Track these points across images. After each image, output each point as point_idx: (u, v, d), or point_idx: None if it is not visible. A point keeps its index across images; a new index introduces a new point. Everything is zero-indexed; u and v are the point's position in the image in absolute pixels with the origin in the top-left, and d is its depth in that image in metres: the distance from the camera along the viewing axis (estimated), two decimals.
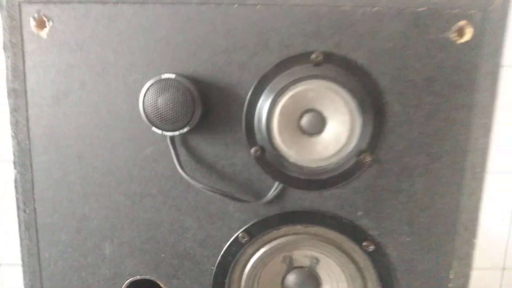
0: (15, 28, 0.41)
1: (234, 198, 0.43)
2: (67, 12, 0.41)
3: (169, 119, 0.40)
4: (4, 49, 0.43)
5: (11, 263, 1.13)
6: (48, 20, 0.41)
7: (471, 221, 0.43)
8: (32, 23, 0.42)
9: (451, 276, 0.45)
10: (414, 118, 0.41)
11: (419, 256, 0.44)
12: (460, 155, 0.42)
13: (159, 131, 0.41)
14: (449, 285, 0.45)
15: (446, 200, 0.43)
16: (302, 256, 0.46)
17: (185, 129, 0.40)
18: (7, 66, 0.43)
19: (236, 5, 0.39)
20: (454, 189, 0.43)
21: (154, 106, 0.40)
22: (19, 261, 0.48)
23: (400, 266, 0.45)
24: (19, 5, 0.41)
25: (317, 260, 0.46)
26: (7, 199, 1.09)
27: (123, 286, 0.46)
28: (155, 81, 0.40)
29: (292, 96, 0.40)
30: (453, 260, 0.44)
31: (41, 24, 0.42)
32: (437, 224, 0.44)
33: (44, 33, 0.42)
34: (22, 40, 0.42)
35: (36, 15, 0.41)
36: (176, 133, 0.41)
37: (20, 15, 0.41)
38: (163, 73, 0.40)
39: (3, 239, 1.12)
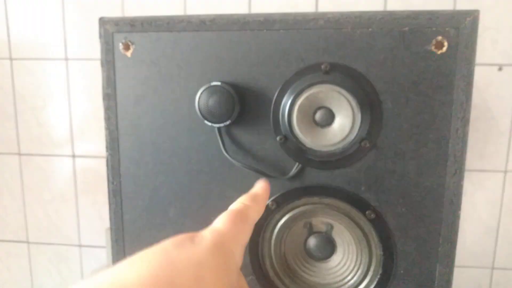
0: (109, 50, 0.54)
1: (265, 174, 0.52)
2: (145, 38, 0.53)
3: (216, 115, 0.50)
4: (102, 65, 0.54)
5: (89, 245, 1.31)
6: (132, 44, 0.53)
7: (455, 195, 0.50)
8: (121, 46, 0.53)
9: (440, 242, 0.53)
10: (404, 113, 0.49)
11: (412, 224, 0.52)
12: (443, 142, 0.49)
13: (210, 124, 0.51)
14: (439, 248, 0.52)
15: (433, 179, 0.50)
16: (319, 222, 0.55)
17: (228, 122, 0.50)
18: (103, 77, 0.55)
19: (265, 30, 0.50)
20: (440, 169, 0.50)
21: (206, 105, 0.50)
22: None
23: (397, 231, 0.52)
24: (112, 34, 0.53)
25: (332, 226, 0.56)
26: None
27: None
28: (207, 87, 0.50)
29: (307, 97, 0.49)
30: (441, 228, 0.51)
31: (126, 47, 0.53)
32: (426, 198, 0.51)
33: (129, 53, 0.53)
34: (113, 59, 0.54)
35: (123, 41, 0.53)
36: (222, 125, 0.51)
37: (113, 41, 0.53)
38: (212, 81, 0.50)
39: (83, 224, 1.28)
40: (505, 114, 1.11)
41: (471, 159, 1.13)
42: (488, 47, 1.08)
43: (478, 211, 1.16)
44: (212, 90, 0.50)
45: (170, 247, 0.25)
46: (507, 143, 1.13)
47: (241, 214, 0.32)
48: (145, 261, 0.23)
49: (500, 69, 1.10)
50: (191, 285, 0.22)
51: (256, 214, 0.34)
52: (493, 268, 1.18)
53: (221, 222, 0.30)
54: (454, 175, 0.50)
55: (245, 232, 0.31)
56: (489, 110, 1.12)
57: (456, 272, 1.18)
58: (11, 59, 1.22)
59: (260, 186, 0.38)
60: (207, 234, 0.27)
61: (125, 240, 0.59)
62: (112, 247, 0.59)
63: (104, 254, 1.27)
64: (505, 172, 1.13)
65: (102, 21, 0.54)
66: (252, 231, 0.33)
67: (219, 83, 0.50)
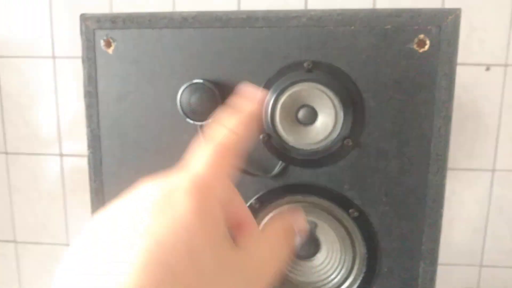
0: (90, 47, 0.53)
1: (248, 173, 0.52)
2: (126, 35, 0.52)
3: (198, 113, 0.50)
4: (83, 62, 0.53)
5: None
6: (113, 41, 0.52)
7: (438, 194, 0.50)
8: (102, 43, 0.53)
9: (423, 240, 0.53)
10: (386, 111, 0.49)
11: (396, 222, 0.52)
12: (426, 141, 0.49)
13: (192, 122, 0.51)
14: (422, 247, 0.52)
15: (416, 177, 0.50)
16: None
17: (210, 120, 0.51)
18: (84, 74, 0.54)
19: (247, 28, 0.49)
20: (422, 168, 0.50)
21: (188, 103, 0.50)
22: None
23: (380, 230, 0.52)
24: (93, 31, 0.53)
25: (316, 224, 0.56)
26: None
27: None
28: (189, 85, 0.49)
29: (289, 95, 0.49)
30: (425, 227, 0.51)
31: (108, 44, 0.53)
32: (409, 196, 0.51)
33: (110, 50, 0.53)
34: (95, 55, 0.53)
35: (104, 37, 0.52)
36: (204, 123, 0.50)
37: (94, 38, 0.53)
38: (194, 79, 0.50)
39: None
40: (492, 113, 1.12)
41: (459, 158, 1.14)
42: (475, 47, 1.08)
43: (467, 210, 1.17)
44: (194, 87, 0.50)
45: (149, 221, 0.22)
46: (494, 143, 1.14)
47: (226, 150, 0.28)
48: (132, 256, 0.20)
49: (487, 69, 1.11)
50: (186, 262, 0.21)
51: (244, 142, 0.30)
52: (481, 266, 1.19)
53: (202, 163, 0.27)
54: (437, 174, 0.50)
55: (230, 167, 0.28)
56: (476, 109, 1.12)
57: (445, 270, 1.19)
58: None
59: (251, 97, 0.33)
60: (186, 186, 0.25)
61: None
62: None
63: None
64: (493, 171, 1.14)
65: (83, 18, 0.53)
66: (239, 158, 0.29)
67: (201, 81, 0.50)
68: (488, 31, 1.07)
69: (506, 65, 1.09)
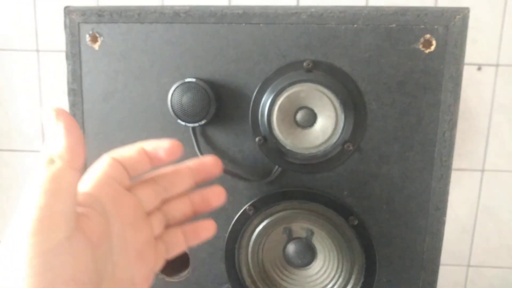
0: (75, 42, 0.50)
1: (242, 178, 0.50)
2: (114, 30, 0.49)
3: (190, 114, 0.47)
4: (67, 58, 0.50)
5: None
6: (100, 36, 0.50)
7: (441, 202, 0.49)
8: (87, 38, 0.50)
9: (424, 249, 0.51)
10: (389, 114, 0.47)
11: (396, 231, 0.50)
12: (430, 146, 0.47)
13: (183, 123, 0.48)
14: (423, 256, 0.50)
15: (419, 184, 0.48)
16: (299, 228, 0.53)
17: (203, 122, 0.47)
18: (68, 71, 0.51)
19: (243, 24, 0.47)
20: (425, 174, 0.48)
21: (179, 103, 0.47)
22: None
23: (380, 239, 0.50)
24: (78, 25, 0.50)
25: (312, 232, 0.54)
26: None
27: None
28: (180, 84, 0.47)
29: (287, 96, 0.46)
30: (426, 235, 0.50)
31: (94, 39, 0.50)
32: (411, 204, 0.49)
33: (96, 45, 0.50)
34: (79, 51, 0.50)
35: (90, 32, 0.50)
36: (196, 124, 0.48)
37: (79, 32, 0.49)
38: (186, 78, 0.47)
39: None
40: (483, 113, 1.11)
41: None
42: (467, 47, 1.07)
43: (455, 210, 1.17)
44: (186, 87, 0.47)
45: None
46: (484, 142, 1.13)
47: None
48: None
49: (479, 68, 1.10)
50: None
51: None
52: (468, 265, 1.19)
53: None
54: (440, 180, 0.49)
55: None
56: (467, 109, 1.12)
57: None
58: None
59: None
60: None
61: None
62: None
63: None
64: (483, 171, 1.14)
65: (68, 10, 0.50)
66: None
67: (193, 80, 0.47)
68: (480, 31, 1.06)
69: (497, 65, 1.09)
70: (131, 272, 0.33)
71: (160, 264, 0.38)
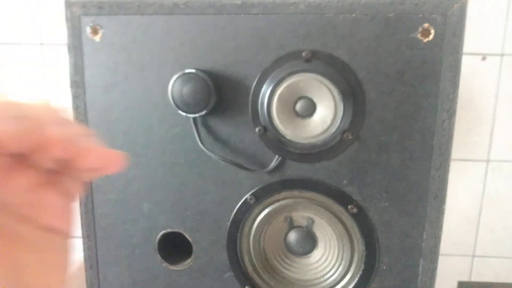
0: (76, 35, 0.50)
1: (243, 168, 0.50)
2: (114, 22, 0.49)
3: (191, 104, 0.47)
4: (68, 50, 0.51)
5: None
6: (100, 28, 0.50)
7: (440, 190, 0.49)
8: (88, 30, 0.50)
9: (424, 237, 0.52)
10: (388, 104, 0.47)
11: (396, 219, 0.50)
12: (429, 135, 0.47)
13: (184, 114, 0.48)
14: (422, 244, 0.51)
15: (418, 172, 0.49)
16: (300, 216, 0.54)
17: (203, 112, 0.47)
18: (70, 63, 0.51)
19: (242, 14, 0.47)
20: (424, 163, 0.48)
21: (179, 94, 0.47)
22: None
23: (380, 227, 0.51)
24: (79, 17, 0.50)
25: (313, 221, 0.54)
26: None
27: (157, 237, 0.55)
28: (180, 75, 0.47)
29: (287, 86, 0.47)
30: (425, 223, 0.50)
31: (95, 31, 0.50)
32: (411, 192, 0.49)
33: (97, 38, 0.50)
34: (81, 43, 0.50)
35: (91, 24, 0.50)
36: (197, 115, 0.48)
37: (80, 25, 0.50)
38: (187, 69, 0.47)
39: None
40: (488, 103, 1.10)
41: (454, 149, 1.12)
42: (472, 36, 1.06)
43: (460, 200, 1.16)
44: (186, 78, 0.47)
45: None
46: (489, 133, 1.13)
47: None
48: None
49: (483, 58, 1.09)
50: None
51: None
52: (473, 256, 1.19)
53: None
54: (439, 169, 0.49)
55: None
56: (472, 99, 1.11)
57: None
58: None
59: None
60: None
61: (96, 235, 0.56)
62: (83, 243, 0.57)
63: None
64: (488, 161, 1.13)
65: (68, 3, 0.50)
66: None
67: (193, 71, 0.47)
68: (484, 20, 1.05)
69: (502, 55, 1.08)
70: None
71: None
